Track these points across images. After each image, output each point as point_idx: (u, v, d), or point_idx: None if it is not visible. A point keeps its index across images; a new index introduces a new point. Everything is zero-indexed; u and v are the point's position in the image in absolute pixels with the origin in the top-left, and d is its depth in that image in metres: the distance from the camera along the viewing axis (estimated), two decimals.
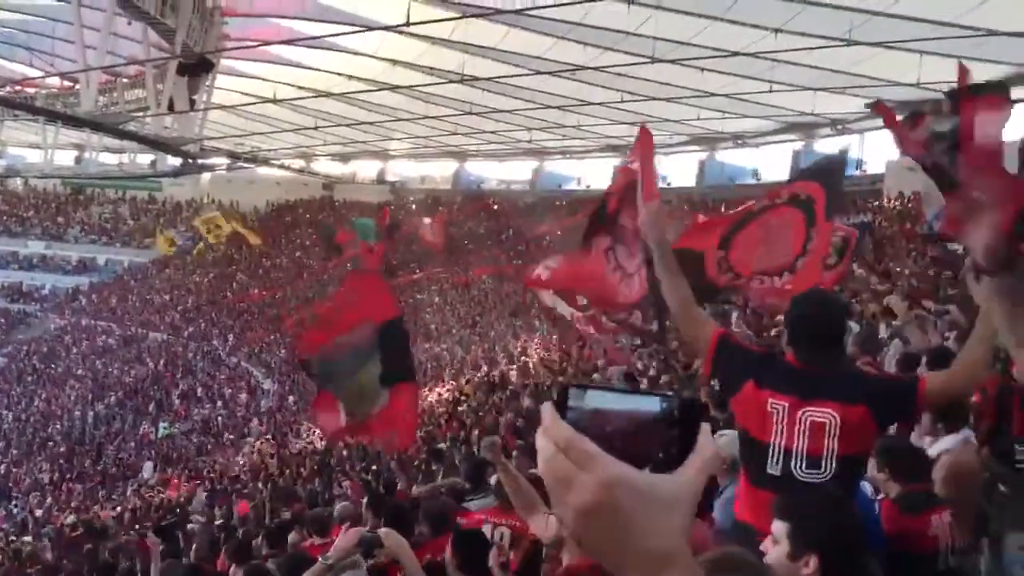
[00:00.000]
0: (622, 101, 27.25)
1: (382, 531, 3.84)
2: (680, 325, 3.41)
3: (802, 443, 2.99)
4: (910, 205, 22.03)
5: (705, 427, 0.86)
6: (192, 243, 48.69)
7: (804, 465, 2.99)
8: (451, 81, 26.75)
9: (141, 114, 28.39)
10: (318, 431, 25.53)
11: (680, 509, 0.85)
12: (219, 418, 33.17)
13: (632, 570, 0.85)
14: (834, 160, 7.41)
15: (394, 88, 28.48)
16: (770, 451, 3.01)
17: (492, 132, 36.53)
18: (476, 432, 14.81)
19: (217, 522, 14.70)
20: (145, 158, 36.65)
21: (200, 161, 36.45)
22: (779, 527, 2.44)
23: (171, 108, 26.70)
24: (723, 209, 24.76)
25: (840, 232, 8.28)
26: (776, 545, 2.44)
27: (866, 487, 3.33)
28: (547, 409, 0.87)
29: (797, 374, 3.09)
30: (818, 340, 3.17)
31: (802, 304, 3.33)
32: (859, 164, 30.13)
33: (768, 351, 3.33)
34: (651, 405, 0.85)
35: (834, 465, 2.98)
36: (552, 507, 0.87)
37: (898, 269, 14.84)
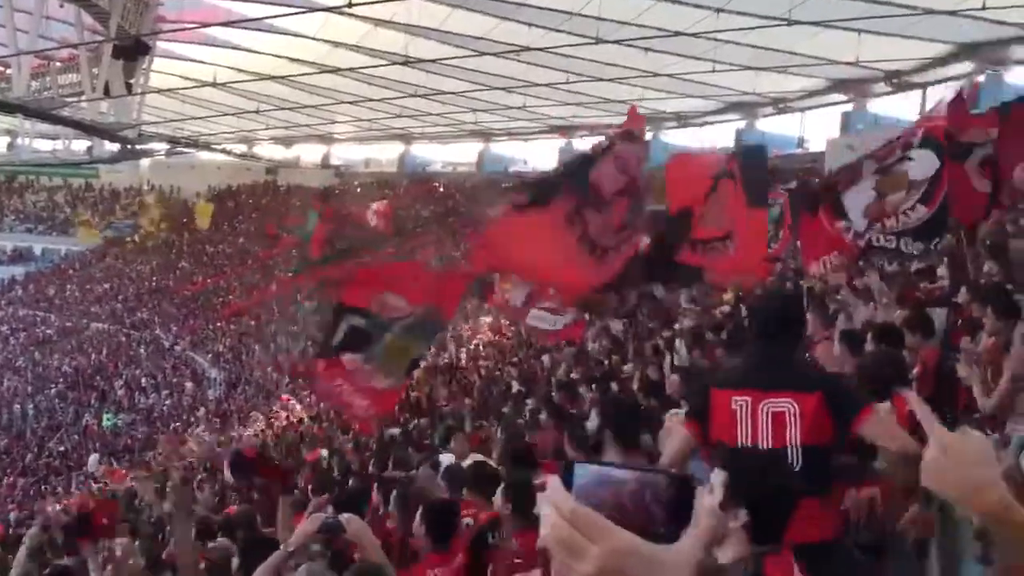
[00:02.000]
0: (567, 82, 27.29)
1: (344, 516, 3.82)
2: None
3: (766, 437, 3.07)
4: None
5: (699, 502, 0.92)
6: (131, 230, 47.82)
7: (773, 458, 3.02)
8: (394, 63, 26.51)
9: (76, 99, 27.67)
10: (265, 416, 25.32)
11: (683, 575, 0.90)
12: (164, 408, 32.68)
13: None
14: (753, 150, 7.59)
15: (336, 70, 28.14)
16: (736, 449, 3.08)
17: (437, 114, 36.30)
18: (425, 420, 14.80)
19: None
20: (81, 144, 35.80)
21: (138, 147, 35.77)
22: (717, 476, 2.50)
23: (107, 92, 26.06)
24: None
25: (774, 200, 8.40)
26: (710, 495, 2.49)
27: None
28: (554, 482, 0.92)
29: (755, 369, 3.21)
30: (777, 334, 3.28)
31: (762, 301, 3.48)
32: (800, 142, 30.55)
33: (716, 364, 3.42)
34: (650, 481, 0.92)
35: (800, 457, 3.05)
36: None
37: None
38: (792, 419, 3.06)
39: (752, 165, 7.00)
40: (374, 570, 3.39)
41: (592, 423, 4.16)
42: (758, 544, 2.40)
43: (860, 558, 3.13)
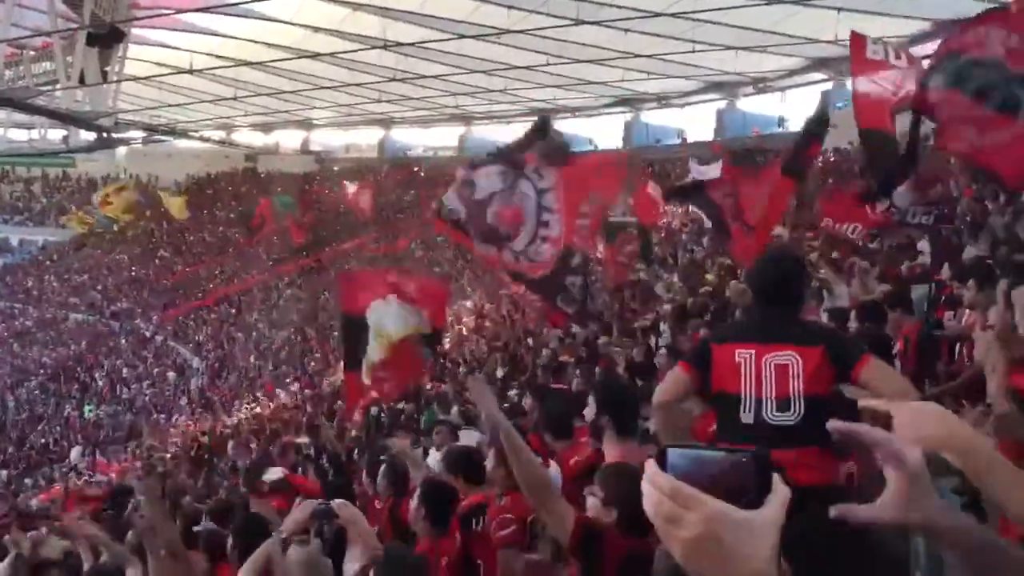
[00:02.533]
0: (547, 64, 27.22)
1: (336, 502, 3.80)
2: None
3: (770, 388, 3.11)
4: (832, 161, 22.49)
5: (776, 475, 1.08)
6: (109, 220, 47.37)
7: (774, 408, 3.11)
8: (373, 47, 26.33)
9: (51, 87, 27.34)
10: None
11: (769, 538, 1.06)
12: (147, 398, 32.52)
13: None
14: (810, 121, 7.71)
15: (315, 55, 27.93)
16: (741, 400, 3.13)
17: (417, 98, 36.14)
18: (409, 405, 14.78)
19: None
20: (57, 133, 35.41)
21: (115, 135, 35.38)
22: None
23: (82, 81, 25.78)
24: (650, 168, 25.03)
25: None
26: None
27: None
28: (651, 465, 1.09)
29: (757, 324, 3.28)
30: (777, 297, 3.34)
31: (760, 265, 3.51)
32: (780, 122, 30.65)
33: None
34: (736, 460, 1.09)
35: (802, 407, 3.11)
36: (663, 543, 1.09)
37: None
38: (795, 370, 3.11)
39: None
40: (404, 557, 3.34)
41: (590, 410, 4.14)
42: None
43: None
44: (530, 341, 15.87)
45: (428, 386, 16.19)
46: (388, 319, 7.47)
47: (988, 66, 5.44)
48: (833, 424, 1.25)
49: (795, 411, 3.10)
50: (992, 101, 5.42)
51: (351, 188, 32.70)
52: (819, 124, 7.87)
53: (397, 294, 7.54)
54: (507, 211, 6.52)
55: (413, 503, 4.35)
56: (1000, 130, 5.45)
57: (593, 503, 3.19)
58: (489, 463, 4.36)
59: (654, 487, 1.09)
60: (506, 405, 9.59)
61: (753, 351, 3.15)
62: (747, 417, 3.13)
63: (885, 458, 1.23)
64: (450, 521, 4.35)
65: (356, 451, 11.04)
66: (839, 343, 3.32)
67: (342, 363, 8.21)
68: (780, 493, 1.08)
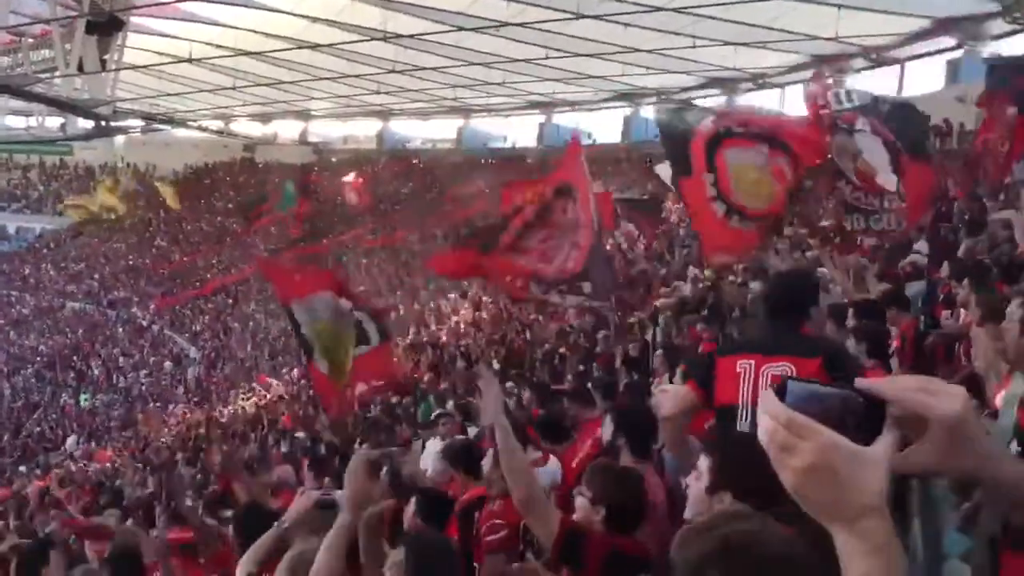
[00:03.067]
0: (547, 58, 27.18)
1: (337, 493, 3.82)
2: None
3: None
4: (829, 157, 22.48)
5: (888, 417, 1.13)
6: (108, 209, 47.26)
7: None
8: (373, 39, 26.28)
9: (49, 75, 27.28)
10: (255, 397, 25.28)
11: (880, 471, 1.09)
12: (143, 387, 32.52)
13: (841, 519, 1.09)
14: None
15: (314, 46, 27.87)
16: (739, 411, 3.22)
17: (416, 90, 36.08)
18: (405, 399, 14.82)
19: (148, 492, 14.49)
20: (55, 121, 35.33)
21: (113, 123, 35.34)
22: (703, 462, 2.55)
23: (81, 69, 25.72)
24: (649, 163, 25.02)
25: None
26: (698, 480, 2.54)
27: None
28: (768, 395, 1.13)
29: (758, 337, 3.47)
30: (782, 313, 3.50)
31: (773, 281, 3.62)
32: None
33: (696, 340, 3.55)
34: (851, 398, 1.15)
35: None
36: (776, 471, 1.12)
37: (822, 224, 15.17)
38: None
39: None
40: (432, 539, 3.35)
41: (607, 430, 4.23)
42: None
43: None
44: (528, 334, 15.91)
45: (424, 378, 16.25)
46: (328, 320, 7.83)
47: None
48: (860, 382, 1.21)
49: None
50: None
51: (349, 179, 32.75)
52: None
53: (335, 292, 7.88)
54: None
55: (408, 511, 4.42)
56: None
57: (582, 503, 3.25)
58: (487, 463, 4.38)
59: (770, 416, 1.12)
60: (503, 399, 9.64)
61: (753, 362, 3.24)
62: (744, 426, 3.18)
63: (914, 411, 1.19)
64: (448, 523, 4.41)
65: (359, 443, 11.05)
66: (838, 355, 3.43)
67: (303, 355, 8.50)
68: (890, 433, 1.13)
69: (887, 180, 7.18)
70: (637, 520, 3.24)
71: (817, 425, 1.09)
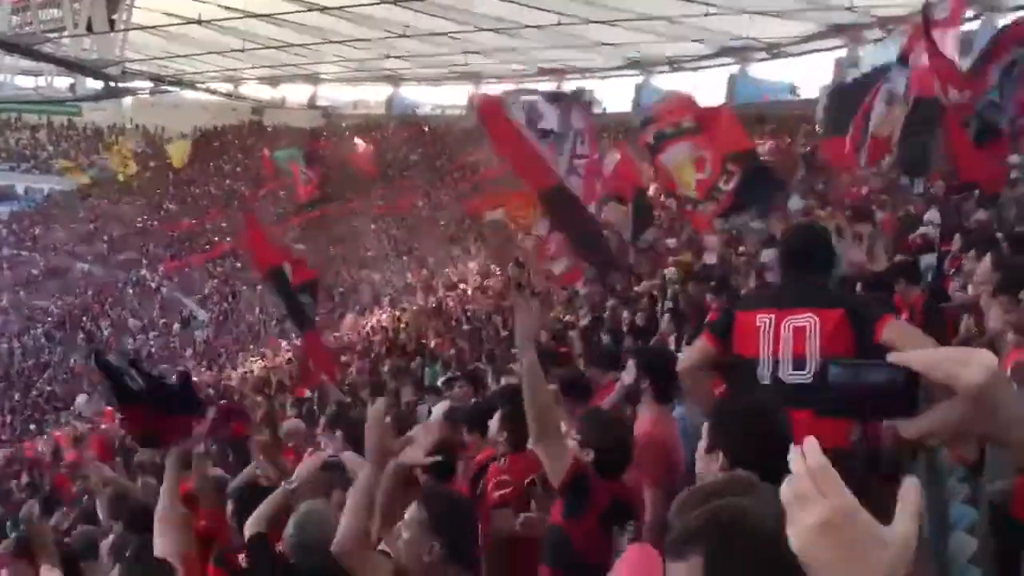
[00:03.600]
0: (559, 24, 26.94)
1: (346, 455, 3.86)
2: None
3: (787, 348, 3.17)
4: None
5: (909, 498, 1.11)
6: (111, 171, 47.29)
7: (790, 367, 3.17)
8: (383, 2, 26.08)
9: (57, 35, 27.18)
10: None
11: (892, 556, 1.05)
12: (152, 349, 32.69)
13: None
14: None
15: (324, 9, 27.66)
16: (760, 363, 3.19)
17: (427, 56, 35.83)
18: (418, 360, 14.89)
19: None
20: (64, 81, 35.25)
21: (121, 84, 35.24)
22: (705, 424, 2.58)
23: (89, 28, 25.64)
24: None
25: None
26: (700, 440, 2.56)
27: None
28: (811, 441, 1.10)
29: (779, 291, 3.41)
30: (802, 266, 3.42)
31: (786, 236, 3.58)
32: (793, 89, 30.38)
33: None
34: (892, 375, 1.21)
35: (817, 365, 3.14)
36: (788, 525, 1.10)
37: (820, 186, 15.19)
38: (812, 332, 3.16)
39: None
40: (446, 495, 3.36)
41: (628, 374, 4.20)
42: None
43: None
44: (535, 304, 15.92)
45: (433, 343, 16.31)
46: None
47: None
48: (892, 356, 1.27)
49: (810, 369, 3.14)
50: None
51: (358, 145, 32.61)
52: None
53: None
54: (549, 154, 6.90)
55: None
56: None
57: (572, 445, 3.31)
58: (493, 426, 4.40)
59: (803, 459, 1.09)
60: (511, 364, 9.66)
61: (773, 315, 3.21)
62: (765, 378, 3.18)
63: (942, 380, 1.25)
64: (452, 477, 4.44)
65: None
66: (860, 305, 3.39)
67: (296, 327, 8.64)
68: (912, 521, 1.08)
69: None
70: (623, 464, 3.34)
71: (841, 486, 1.06)
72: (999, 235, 7.07)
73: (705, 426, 2.56)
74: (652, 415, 3.92)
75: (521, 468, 3.93)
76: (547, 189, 7.40)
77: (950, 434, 1.33)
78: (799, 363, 3.17)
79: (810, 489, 1.06)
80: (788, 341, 3.18)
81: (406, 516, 2.85)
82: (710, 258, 12.03)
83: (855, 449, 3.06)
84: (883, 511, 1.09)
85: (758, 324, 3.22)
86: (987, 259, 5.28)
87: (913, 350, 1.33)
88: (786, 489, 1.09)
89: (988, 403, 1.24)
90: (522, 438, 4.07)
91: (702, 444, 2.54)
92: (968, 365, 1.25)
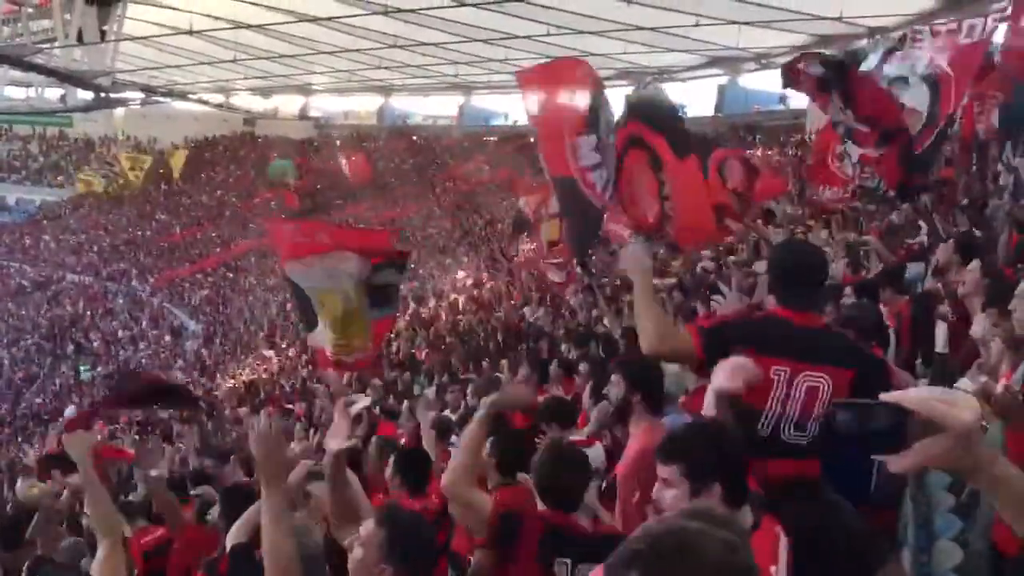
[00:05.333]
0: (548, 35, 27.01)
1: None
2: (661, 354, 3.35)
3: (795, 408, 3.00)
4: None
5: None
6: (107, 181, 47.23)
7: (792, 428, 3.01)
8: (374, 13, 26.11)
9: (48, 45, 27.13)
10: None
11: None
12: (142, 360, 32.55)
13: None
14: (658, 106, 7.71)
15: (315, 20, 27.69)
16: (764, 415, 3.00)
17: (417, 66, 35.90)
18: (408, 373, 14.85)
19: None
20: (54, 92, 35.16)
21: (113, 95, 35.16)
22: (670, 471, 2.41)
23: (80, 39, 25.57)
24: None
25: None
26: (671, 489, 2.41)
27: None
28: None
29: (793, 335, 3.07)
30: (807, 285, 3.20)
31: (788, 251, 3.41)
32: (782, 99, 30.49)
33: (759, 317, 3.23)
34: (896, 416, 1.45)
35: (816, 428, 3.00)
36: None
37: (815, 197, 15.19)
38: (824, 394, 3.00)
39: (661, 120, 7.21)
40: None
41: (616, 390, 4.10)
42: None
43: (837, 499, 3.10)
44: (526, 311, 15.91)
45: (421, 355, 16.27)
46: (326, 281, 7.63)
47: None
48: (885, 396, 1.45)
49: (810, 432, 3.01)
50: None
51: (350, 155, 32.67)
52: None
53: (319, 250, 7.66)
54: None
55: (388, 471, 4.46)
56: None
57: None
58: (484, 450, 4.36)
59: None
60: (499, 375, 9.65)
61: (788, 369, 3.00)
62: (763, 431, 3.01)
63: (934, 419, 1.45)
64: (426, 484, 4.44)
65: None
66: (872, 369, 3.16)
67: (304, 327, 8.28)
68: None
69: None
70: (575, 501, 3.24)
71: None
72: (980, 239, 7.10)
73: (680, 473, 2.42)
74: (646, 429, 3.83)
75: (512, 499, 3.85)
76: (562, 177, 7.31)
77: (933, 467, 1.58)
78: (801, 425, 3.02)
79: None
80: (798, 400, 3.02)
81: (361, 531, 2.71)
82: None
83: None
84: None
85: (772, 376, 2.98)
86: (974, 267, 5.29)
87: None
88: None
89: (972, 440, 1.46)
90: (511, 466, 4.05)
91: (681, 492, 2.43)
92: (957, 406, 1.46)
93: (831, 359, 3.04)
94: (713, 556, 1.23)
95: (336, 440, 3.47)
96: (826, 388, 2.99)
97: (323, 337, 7.90)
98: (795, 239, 4.53)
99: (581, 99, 7.02)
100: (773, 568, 2.24)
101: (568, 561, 3.03)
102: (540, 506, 3.27)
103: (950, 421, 1.44)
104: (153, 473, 5.76)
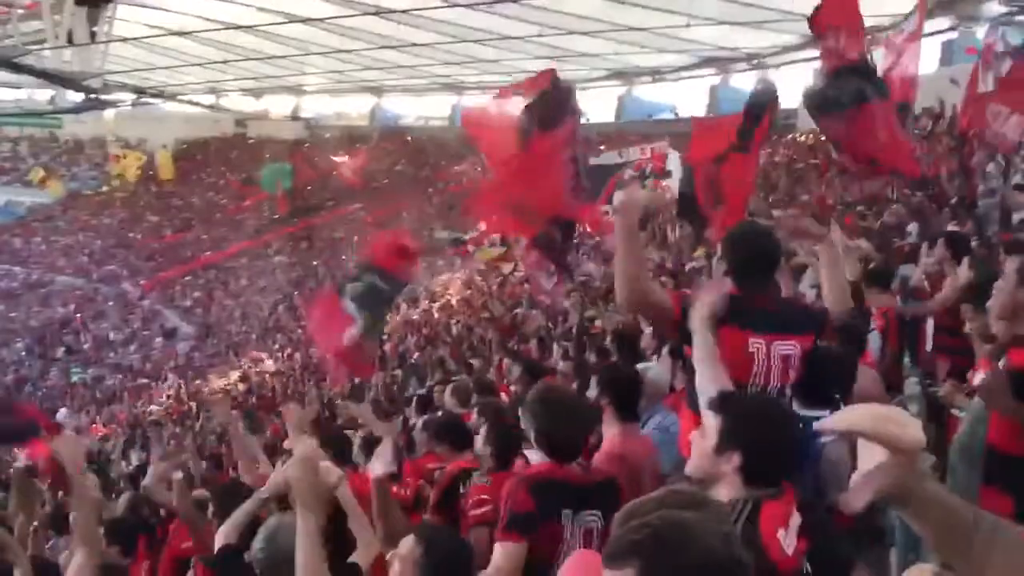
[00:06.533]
0: (540, 36, 27.04)
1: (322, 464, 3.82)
2: (636, 300, 3.27)
3: (775, 376, 3.19)
4: (823, 139, 22.46)
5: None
6: (96, 182, 47.05)
7: (775, 396, 3.15)
8: (365, 13, 26.10)
9: (38, 47, 27.04)
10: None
11: None
12: (133, 362, 32.48)
13: None
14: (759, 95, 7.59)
15: (306, 20, 27.66)
16: (748, 389, 3.13)
17: (409, 67, 35.88)
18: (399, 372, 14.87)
19: (135, 465, 14.58)
20: (44, 94, 35.09)
21: (103, 97, 35.08)
22: (710, 421, 2.47)
23: (70, 40, 25.50)
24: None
25: None
26: (703, 438, 2.46)
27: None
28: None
29: (767, 313, 3.26)
30: (766, 269, 3.38)
31: (747, 236, 3.45)
32: None
33: (735, 294, 3.26)
34: None
35: (790, 392, 3.26)
36: None
37: (804, 197, 15.26)
38: (794, 360, 3.23)
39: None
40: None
41: (591, 391, 4.16)
42: (754, 487, 2.37)
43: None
44: (518, 313, 15.92)
45: (414, 357, 16.28)
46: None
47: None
48: (821, 425, 1.44)
49: (788, 397, 3.23)
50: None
51: (341, 156, 32.62)
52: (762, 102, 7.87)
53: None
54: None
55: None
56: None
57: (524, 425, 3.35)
58: (479, 441, 4.35)
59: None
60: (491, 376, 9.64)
61: (763, 341, 3.18)
62: None
63: (883, 441, 1.41)
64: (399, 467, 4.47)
65: None
66: (824, 326, 3.47)
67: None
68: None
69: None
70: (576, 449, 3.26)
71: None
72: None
73: (710, 425, 2.47)
74: (616, 433, 3.87)
75: (502, 488, 3.86)
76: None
77: (889, 490, 1.45)
78: (781, 391, 3.22)
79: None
80: (776, 369, 3.20)
81: (400, 548, 2.74)
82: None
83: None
84: None
85: (751, 349, 3.17)
86: (964, 265, 5.32)
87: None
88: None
89: (916, 460, 1.41)
90: (508, 455, 4.05)
91: (705, 443, 2.45)
92: (907, 426, 1.42)
93: (797, 328, 3.28)
94: (712, 548, 1.26)
95: (381, 464, 3.51)
96: (795, 354, 3.22)
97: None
98: (749, 224, 4.57)
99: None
100: (781, 531, 2.27)
101: (570, 511, 3.08)
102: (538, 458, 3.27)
103: (906, 440, 1.40)
104: (177, 475, 5.60)
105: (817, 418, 3.27)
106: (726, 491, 2.36)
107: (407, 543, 2.73)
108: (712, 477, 2.39)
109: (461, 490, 4.35)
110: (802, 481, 2.99)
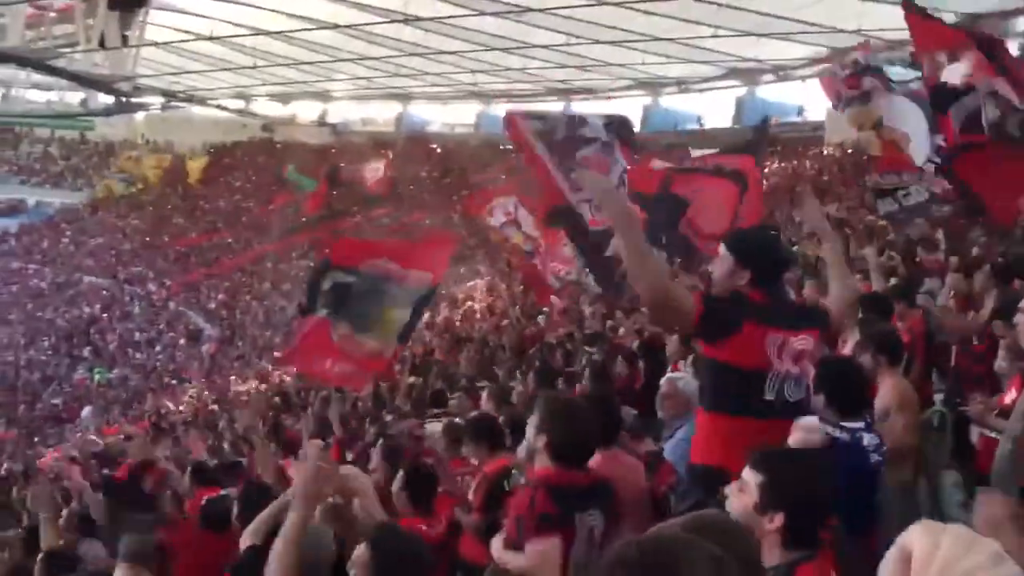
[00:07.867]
0: (567, 44, 27.07)
1: (344, 468, 3.86)
2: (658, 302, 3.26)
3: (793, 368, 3.38)
4: (850, 152, 22.34)
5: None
6: (125, 184, 47.61)
7: (792, 386, 3.37)
8: (394, 21, 26.24)
9: (70, 50, 27.41)
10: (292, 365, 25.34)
11: None
12: (157, 363, 32.73)
13: None
14: (758, 129, 7.72)
15: (335, 27, 27.84)
16: (768, 379, 3.33)
17: (436, 74, 36.02)
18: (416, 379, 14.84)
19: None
20: (75, 96, 35.51)
21: (133, 100, 35.49)
22: (752, 476, 2.44)
23: (102, 44, 25.82)
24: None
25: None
26: (742, 493, 2.44)
27: (865, 437, 3.55)
28: None
29: (784, 310, 3.54)
30: (781, 270, 3.70)
31: (761, 240, 3.75)
32: (800, 111, 30.39)
33: (755, 294, 3.41)
34: None
35: (807, 384, 3.46)
36: None
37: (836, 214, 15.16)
38: (808, 354, 3.44)
39: (760, 143, 7.21)
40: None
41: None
42: (794, 549, 2.35)
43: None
44: (540, 319, 15.91)
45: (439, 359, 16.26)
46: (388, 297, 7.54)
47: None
48: None
49: (803, 389, 3.44)
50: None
51: (369, 163, 32.77)
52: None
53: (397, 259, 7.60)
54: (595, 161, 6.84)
55: (395, 486, 4.48)
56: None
57: (529, 432, 3.39)
58: (522, 451, 4.38)
59: None
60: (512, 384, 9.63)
61: (783, 336, 3.35)
62: (770, 394, 3.32)
63: None
64: (432, 501, 4.49)
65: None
66: (827, 321, 3.77)
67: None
68: None
69: (919, 146, 6.88)
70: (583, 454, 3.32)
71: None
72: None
73: (751, 481, 2.45)
74: (602, 455, 3.88)
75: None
76: (558, 207, 7.39)
77: None
78: (799, 383, 3.40)
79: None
80: (792, 363, 3.38)
81: (355, 554, 2.79)
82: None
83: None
84: None
85: (768, 343, 3.34)
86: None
87: None
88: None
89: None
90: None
91: (744, 500, 2.43)
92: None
93: (809, 324, 3.54)
94: (697, 571, 1.23)
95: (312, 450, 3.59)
96: (808, 349, 3.44)
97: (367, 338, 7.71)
98: (762, 229, 4.67)
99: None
100: None
101: (580, 513, 3.17)
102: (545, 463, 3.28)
103: None
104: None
105: (856, 430, 3.51)
106: (766, 553, 2.34)
107: (359, 548, 2.79)
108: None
109: (505, 487, 4.40)
110: (856, 503, 3.21)
